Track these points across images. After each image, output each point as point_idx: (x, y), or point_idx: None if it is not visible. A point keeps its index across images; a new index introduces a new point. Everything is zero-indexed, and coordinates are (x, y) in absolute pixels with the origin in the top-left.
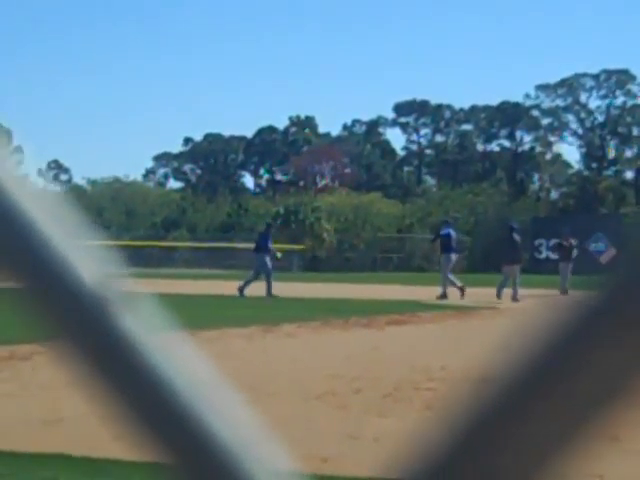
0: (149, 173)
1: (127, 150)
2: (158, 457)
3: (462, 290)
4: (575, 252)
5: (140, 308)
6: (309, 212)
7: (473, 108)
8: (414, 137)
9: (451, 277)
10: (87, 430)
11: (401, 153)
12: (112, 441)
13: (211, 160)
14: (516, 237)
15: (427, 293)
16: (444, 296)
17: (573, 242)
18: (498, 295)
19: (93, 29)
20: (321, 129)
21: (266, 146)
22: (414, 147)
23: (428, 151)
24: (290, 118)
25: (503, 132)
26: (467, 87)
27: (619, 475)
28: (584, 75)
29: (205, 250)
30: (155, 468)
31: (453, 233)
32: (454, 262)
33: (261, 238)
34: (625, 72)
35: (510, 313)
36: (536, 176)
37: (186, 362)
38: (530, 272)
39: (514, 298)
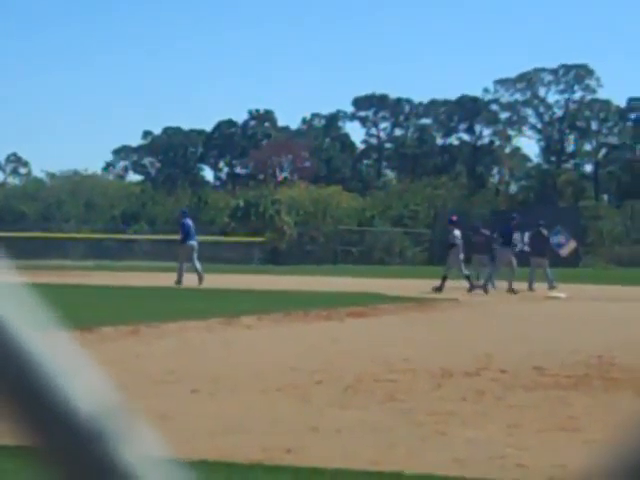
0: (109, 166)
1: (86, 143)
2: (24, 440)
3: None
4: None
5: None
6: (269, 205)
7: (432, 102)
8: (373, 131)
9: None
10: None
11: (361, 147)
12: None
13: (170, 153)
14: (544, 232)
15: (387, 285)
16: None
17: (487, 233)
18: (530, 287)
19: (53, 19)
20: (280, 123)
21: (225, 139)
22: (374, 141)
23: (388, 145)
24: (249, 112)
25: (462, 126)
26: (426, 81)
27: (581, 464)
28: (543, 70)
29: (165, 242)
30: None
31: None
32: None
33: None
34: (583, 67)
35: (469, 305)
36: (495, 169)
37: (55, 349)
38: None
39: (551, 286)
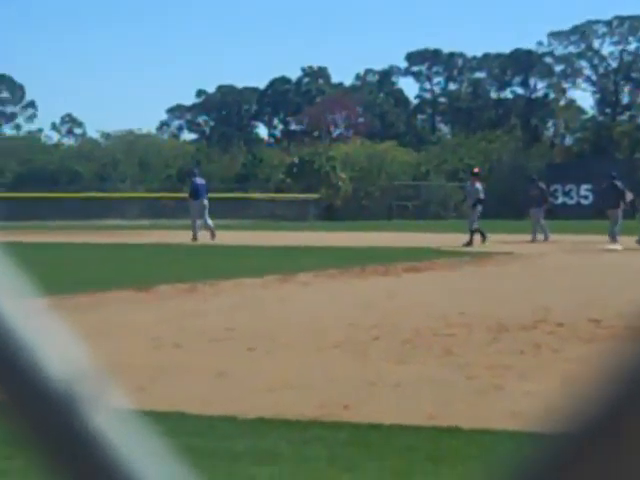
0: (163, 125)
1: (140, 103)
2: None
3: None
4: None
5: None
6: (324, 161)
7: (486, 56)
8: (427, 86)
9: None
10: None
11: (414, 102)
12: (134, 392)
13: (224, 111)
14: (618, 184)
15: (443, 240)
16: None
17: (544, 188)
18: (613, 239)
19: None
20: (334, 79)
21: (279, 97)
22: (427, 95)
23: (441, 99)
24: (303, 69)
25: (516, 79)
26: (479, 35)
27: None
28: (596, 22)
29: (220, 201)
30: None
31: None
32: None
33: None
34: (638, 18)
35: (524, 258)
36: (550, 122)
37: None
38: (546, 218)
39: (613, 239)
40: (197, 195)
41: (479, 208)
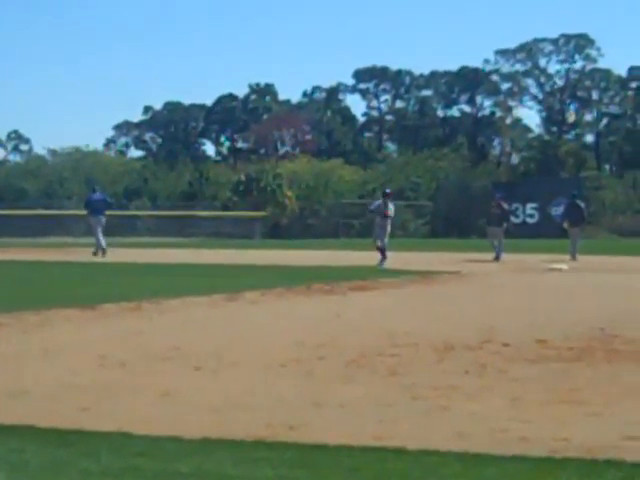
0: (110, 142)
1: (87, 119)
2: None
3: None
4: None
5: None
6: (270, 179)
7: (433, 74)
8: (374, 103)
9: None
10: (53, 401)
11: (362, 119)
12: (78, 412)
13: (172, 128)
14: (580, 203)
15: (390, 258)
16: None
17: (505, 207)
18: (573, 256)
19: None
20: (281, 96)
21: (226, 114)
22: (374, 113)
23: (389, 117)
24: (250, 86)
25: (463, 97)
26: (427, 53)
27: (583, 437)
28: (543, 40)
29: (167, 219)
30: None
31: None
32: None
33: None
34: (584, 36)
35: (472, 277)
36: (497, 140)
37: None
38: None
39: (573, 257)
40: (93, 211)
41: (388, 226)
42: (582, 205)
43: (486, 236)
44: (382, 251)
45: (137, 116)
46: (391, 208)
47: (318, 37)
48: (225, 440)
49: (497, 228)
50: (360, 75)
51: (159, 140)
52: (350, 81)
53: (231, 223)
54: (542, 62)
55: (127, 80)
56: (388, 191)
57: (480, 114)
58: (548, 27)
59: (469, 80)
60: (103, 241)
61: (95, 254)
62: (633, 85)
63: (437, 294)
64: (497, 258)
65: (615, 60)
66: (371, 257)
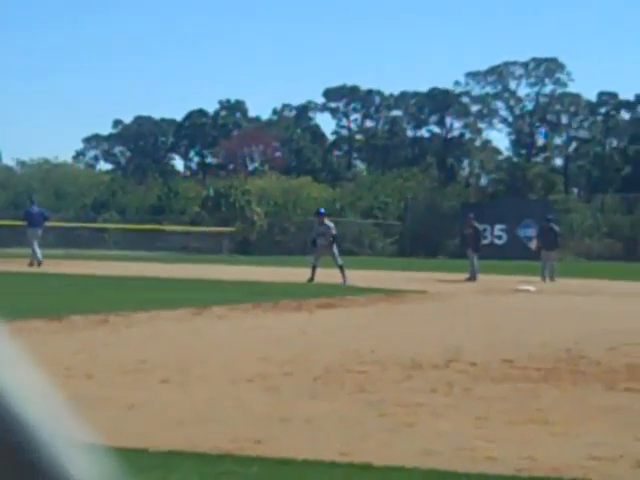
0: (79, 155)
1: (57, 132)
2: None
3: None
4: (481, 238)
5: None
6: (239, 195)
7: (403, 94)
8: (344, 122)
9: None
10: None
11: (331, 138)
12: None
13: (141, 142)
14: (554, 226)
15: (357, 277)
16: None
17: (477, 227)
18: (543, 278)
19: (23, 7)
20: (251, 113)
21: (196, 129)
22: (344, 132)
23: (358, 136)
24: (220, 102)
25: (433, 118)
26: (397, 73)
27: (549, 456)
28: (513, 63)
29: (135, 232)
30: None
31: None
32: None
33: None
34: (554, 60)
35: (438, 297)
36: (466, 162)
37: None
38: (459, 257)
39: (552, 278)
40: (31, 223)
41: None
42: (556, 229)
43: (465, 256)
44: (341, 268)
45: (107, 129)
46: (331, 226)
47: (289, 55)
48: (191, 453)
49: (470, 248)
50: (330, 94)
51: (128, 154)
52: (320, 99)
53: (199, 238)
54: (512, 85)
55: (97, 93)
56: (323, 211)
57: (450, 135)
58: (519, 50)
59: (439, 101)
60: (39, 253)
61: (31, 265)
62: (602, 110)
63: (404, 313)
64: (473, 278)
65: (585, 85)
66: (338, 275)
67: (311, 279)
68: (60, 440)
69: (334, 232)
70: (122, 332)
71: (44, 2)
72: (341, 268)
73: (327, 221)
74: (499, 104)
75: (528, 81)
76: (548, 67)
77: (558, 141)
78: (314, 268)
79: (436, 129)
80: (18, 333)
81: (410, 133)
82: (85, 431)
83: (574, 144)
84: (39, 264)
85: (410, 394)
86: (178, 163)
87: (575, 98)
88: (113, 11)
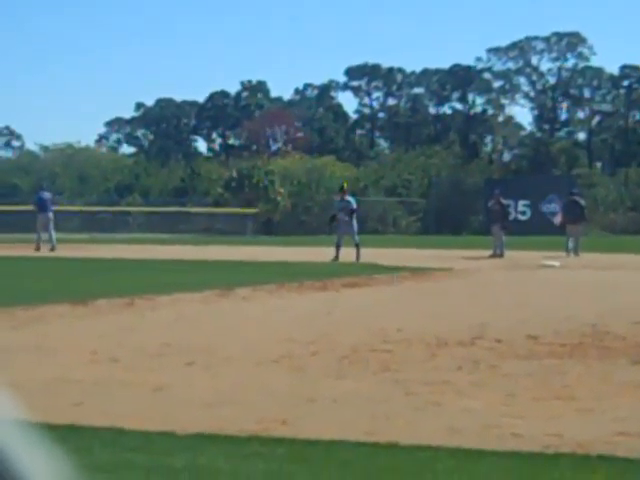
0: (101, 138)
1: (79, 116)
2: None
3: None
4: (509, 214)
5: None
6: (262, 176)
7: (425, 71)
8: (366, 100)
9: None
10: (45, 396)
11: (353, 117)
12: (71, 407)
13: (163, 125)
14: (579, 200)
15: (382, 255)
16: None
17: (504, 203)
18: (568, 252)
19: None
20: (273, 93)
21: (218, 111)
22: (366, 111)
23: (380, 114)
24: (242, 83)
25: (455, 95)
26: (418, 50)
27: (575, 433)
28: (535, 38)
29: (159, 215)
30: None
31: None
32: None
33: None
34: (576, 35)
35: (463, 274)
36: (489, 138)
37: None
38: (482, 233)
39: (576, 253)
40: (42, 208)
41: (354, 220)
42: (582, 202)
43: (489, 232)
44: (357, 246)
45: (129, 112)
46: (352, 201)
47: (310, 34)
48: (218, 435)
49: (497, 225)
50: (352, 73)
51: (151, 137)
52: (342, 78)
53: (223, 219)
54: (534, 60)
55: (119, 77)
56: (344, 185)
57: (472, 112)
58: (540, 25)
59: (461, 78)
60: (54, 236)
61: (37, 249)
62: (625, 83)
63: (429, 291)
64: (501, 254)
65: (607, 58)
66: (363, 254)
67: (336, 258)
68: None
69: (354, 207)
70: (147, 315)
71: None
72: (357, 246)
73: (348, 197)
74: (521, 79)
75: (550, 56)
76: (570, 41)
77: (581, 115)
78: (338, 247)
79: (458, 106)
80: (44, 318)
81: (432, 110)
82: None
83: (597, 118)
84: (52, 248)
85: (436, 372)
86: (201, 145)
87: (597, 72)
88: None
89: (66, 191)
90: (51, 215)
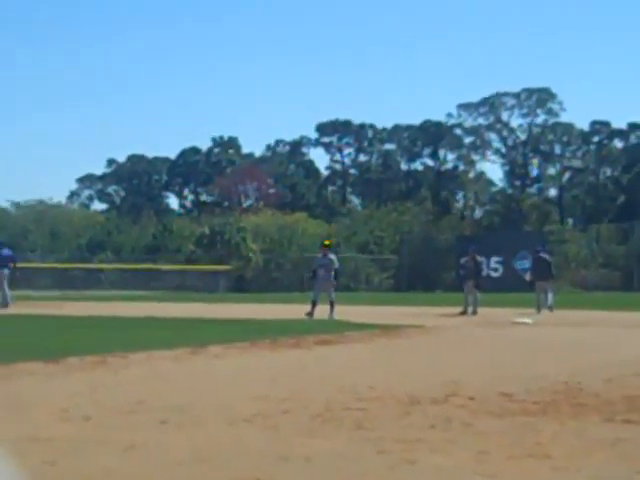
0: (73, 195)
1: (51, 172)
2: None
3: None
4: (481, 271)
5: None
6: (234, 232)
7: (396, 127)
8: (337, 157)
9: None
10: (16, 456)
11: (325, 173)
12: (43, 466)
13: (135, 181)
14: (545, 256)
15: (354, 312)
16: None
17: (478, 260)
18: (538, 309)
19: (16, 41)
20: (245, 149)
21: (190, 167)
22: (338, 167)
23: (352, 170)
24: (213, 139)
25: (426, 151)
26: (389, 107)
27: None
28: (505, 94)
29: (131, 272)
30: None
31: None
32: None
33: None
34: (546, 90)
35: (435, 331)
36: (460, 194)
37: None
38: (455, 290)
39: (550, 309)
40: (0, 266)
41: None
42: (548, 258)
43: (461, 289)
44: (331, 304)
45: (100, 169)
46: (334, 259)
47: (281, 90)
48: None
49: (470, 282)
50: (323, 128)
51: (123, 193)
52: (313, 134)
53: (195, 276)
54: (505, 116)
55: (90, 132)
56: (327, 242)
57: (443, 168)
58: (510, 81)
59: (432, 134)
60: (9, 294)
61: (3, 306)
62: (595, 139)
63: (402, 348)
64: (474, 312)
65: (577, 114)
66: (338, 311)
67: (310, 314)
68: None
69: (337, 266)
70: (120, 373)
71: (36, 38)
72: (332, 304)
73: (331, 255)
74: (492, 135)
75: (520, 111)
76: (540, 97)
77: (552, 171)
78: (314, 303)
79: (430, 162)
80: (15, 376)
81: (404, 166)
82: None
83: (568, 174)
84: (6, 306)
85: (409, 430)
86: (173, 201)
87: (568, 128)
88: (105, 49)
89: (38, 248)
90: (6, 272)
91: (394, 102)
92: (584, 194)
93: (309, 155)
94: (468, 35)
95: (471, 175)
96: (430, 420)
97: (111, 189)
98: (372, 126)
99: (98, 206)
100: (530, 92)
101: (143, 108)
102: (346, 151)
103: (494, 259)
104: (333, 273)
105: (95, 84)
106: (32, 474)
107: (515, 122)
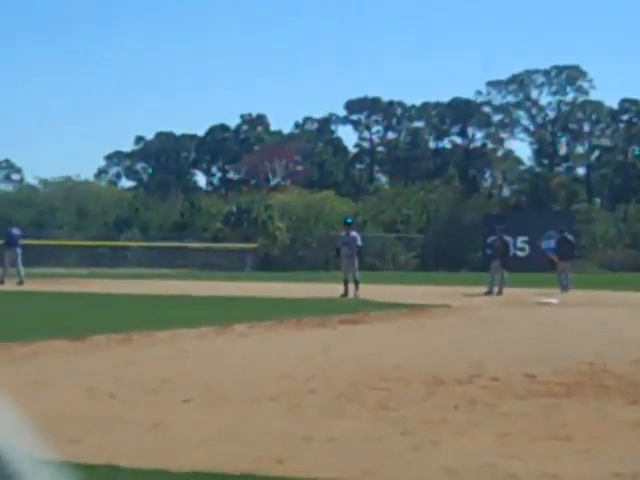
0: (101, 172)
1: (79, 149)
2: None
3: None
4: (509, 251)
5: None
6: (261, 210)
7: (424, 105)
8: (366, 134)
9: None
10: (41, 433)
11: (353, 150)
12: (68, 444)
13: (163, 159)
14: (568, 236)
15: (380, 292)
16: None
17: (507, 240)
18: (561, 287)
19: (46, 23)
20: (273, 127)
21: (218, 144)
22: (366, 144)
23: (380, 148)
24: (242, 116)
25: (454, 129)
26: (418, 84)
27: (572, 473)
28: (535, 71)
29: (157, 249)
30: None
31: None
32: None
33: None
34: (575, 68)
35: (462, 311)
36: (488, 173)
37: None
38: (481, 269)
39: (565, 289)
40: (10, 244)
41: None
42: (572, 239)
43: (488, 268)
44: (356, 283)
45: (129, 146)
46: (357, 237)
47: (310, 68)
48: (213, 473)
49: (497, 261)
50: (352, 106)
51: (150, 170)
52: (342, 112)
53: (221, 255)
54: (534, 94)
55: (119, 110)
56: (349, 221)
57: (471, 146)
58: (540, 58)
59: (461, 111)
60: (22, 271)
61: (20, 283)
62: (624, 117)
63: (427, 328)
64: (500, 292)
65: (606, 92)
66: (361, 290)
67: (344, 294)
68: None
69: (360, 243)
70: (145, 351)
71: (65, 19)
72: (356, 283)
73: (353, 232)
74: (521, 113)
75: (550, 89)
76: (569, 75)
77: (580, 150)
78: (346, 283)
79: (458, 140)
80: (40, 354)
81: (432, 144)
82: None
83: (596, 153)
84: (20, 282)
85: (433, 411)
86: (200, 179)
87: (597, 106)
88: (133, 28)
89: (65, 225)
90: (19, 251)
91: (423, 79)
92: (612, 173)
93: (337, 133)
94: (498, 11)
95: (499, 153)
96: (454, 401)
97: (139, 166)
98: (401, 103)
99: (126, 183)
100: (560, 69)
101: (172, 85)
102: (374, 129)
103: (520, 238)
104: (357, 250)
105: (124, 61)
106: (58, 452)
107: (544, 100)
